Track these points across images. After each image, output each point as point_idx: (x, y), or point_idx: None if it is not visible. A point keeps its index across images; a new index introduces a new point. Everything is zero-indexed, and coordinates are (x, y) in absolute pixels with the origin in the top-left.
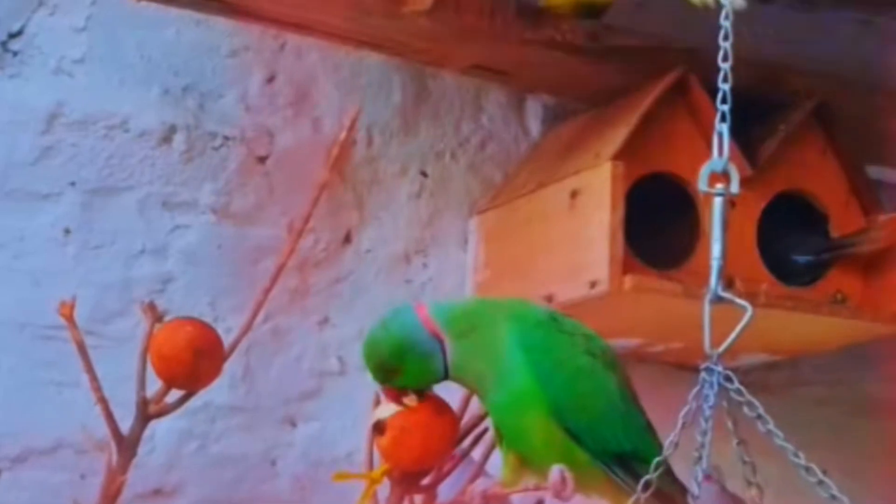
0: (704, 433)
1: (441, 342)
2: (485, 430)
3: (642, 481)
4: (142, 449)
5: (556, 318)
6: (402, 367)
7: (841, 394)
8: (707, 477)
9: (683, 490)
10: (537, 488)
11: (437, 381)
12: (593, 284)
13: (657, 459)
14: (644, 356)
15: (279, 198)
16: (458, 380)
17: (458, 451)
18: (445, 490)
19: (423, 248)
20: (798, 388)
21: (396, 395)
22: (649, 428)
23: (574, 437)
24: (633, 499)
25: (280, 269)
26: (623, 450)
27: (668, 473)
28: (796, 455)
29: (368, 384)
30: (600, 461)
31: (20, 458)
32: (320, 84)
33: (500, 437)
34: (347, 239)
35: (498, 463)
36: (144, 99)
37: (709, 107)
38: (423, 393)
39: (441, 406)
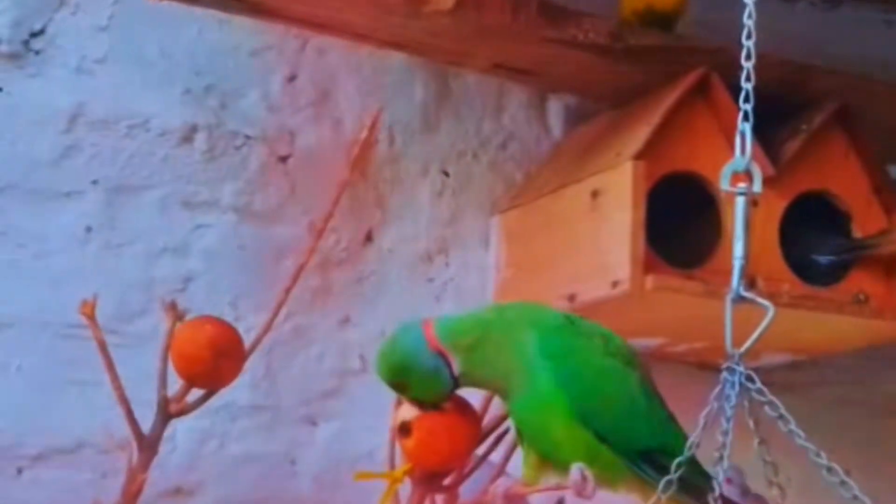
0: (726, 433)
1: (445, 357)
2: (506, 431)
3: (663, 482)
4: (163, 448)
5: (573, 321)
6: (408, 382)
7: (863, 394)
8: (727, 480)
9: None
10: (558, 487)
11: (448, 393)
12: (615, 284)
13: (678, 460)
14: (666, 356)
15: (301, 197)
16: (473, 386)
17: (479, 451)
18: (467, 490)
19: (444, 248)
20: (820, 388)
21: (416, 404)
22: (672, 419)
23: (600, 438)
24: (652, 500)
25: (301, 269)
26: (649, 446)
27: (695, 466)
28: (818, 455)
29: None
30: (627, 459)
31: (41, 456)
32: (342, 83)
33: (522, 437)
34: (369, 238)
35: (519, 464)
36: (166, 98)
37: (730, 106)
38: (438, 405)
39: (465, 407)
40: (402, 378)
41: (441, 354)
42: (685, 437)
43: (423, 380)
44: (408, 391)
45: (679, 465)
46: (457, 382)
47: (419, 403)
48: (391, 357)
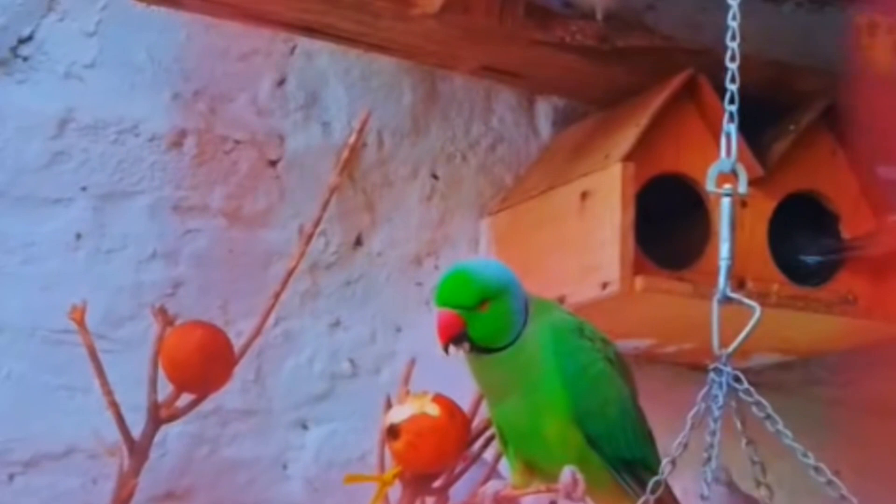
0: (713, 434)
1: (527, 310)
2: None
3: (652, 481)
4: (154, 453)
5: (582, 324)
6: (494, 302)
7: (852, 394)
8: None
9: (675, 499)
10: (548, 489)
11: (502, 344)
12: (605, 285)
13: (667, 460)
14: (656, 357)
15: (290, 201)
16: (495, 364)
17: (469, 453)
18: (458, 492)
19: (434, 251)
20: (810, 388)
21: (452, 323)
22: (651, 437)
23: (591, 442)
24: (642, 500)
25: (291, 273)
26: (634, 456)
27: (667, 487)
28: (805, 455)
29: (380, 386)
30: (612, 467)
31: (32, 462)
32: (330, 87)
33: (506, 444)
34: (358, 241)
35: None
36: (155, 103)
37: (718, 107)
38: (460, 342)
39: (454, 409)
40: (493, 293)
41: (526, 305)
42: (659, 459)
43: (503, 312)
44: (480, 310)
45: (657, 485)
46: (513, 341)
47: (462, 338)
48: (491, 272)
